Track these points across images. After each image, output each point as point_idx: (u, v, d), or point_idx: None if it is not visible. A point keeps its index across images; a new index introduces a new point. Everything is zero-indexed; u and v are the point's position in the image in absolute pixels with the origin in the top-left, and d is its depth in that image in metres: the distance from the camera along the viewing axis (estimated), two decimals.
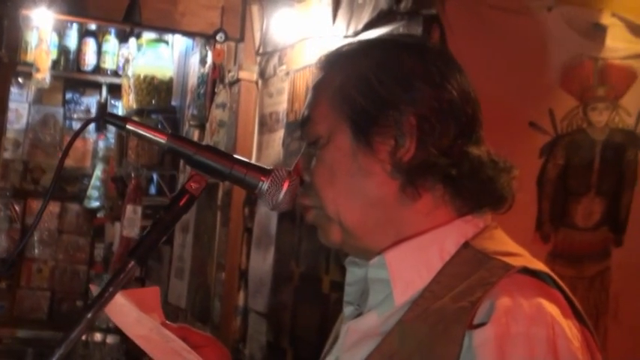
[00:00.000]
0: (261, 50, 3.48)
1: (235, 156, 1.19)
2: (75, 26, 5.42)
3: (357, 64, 1.12)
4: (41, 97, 5.66)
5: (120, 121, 1.18)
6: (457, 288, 1.03)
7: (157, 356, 1.20)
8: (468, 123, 1.10)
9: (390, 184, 1.09)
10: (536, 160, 2.17)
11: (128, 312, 1.17)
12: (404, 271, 1.08)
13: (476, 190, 1.10)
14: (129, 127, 1.19)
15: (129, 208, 4.41)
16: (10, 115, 5.45)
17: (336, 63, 1.16)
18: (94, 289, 1.18)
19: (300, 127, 1.18)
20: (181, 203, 1.16)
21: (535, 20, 2.16)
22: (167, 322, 1.27)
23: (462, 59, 2.03)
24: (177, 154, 1.19)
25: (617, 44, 2.25)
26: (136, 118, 4.62)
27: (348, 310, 1.20)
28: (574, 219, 2.22)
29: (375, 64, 1.10)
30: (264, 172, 1.16)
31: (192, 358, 1.20)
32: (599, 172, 2.24)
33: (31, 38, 5.04)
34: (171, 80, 4.79)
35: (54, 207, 5.71)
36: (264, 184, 1.15)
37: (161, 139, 1.17)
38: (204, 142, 4.08)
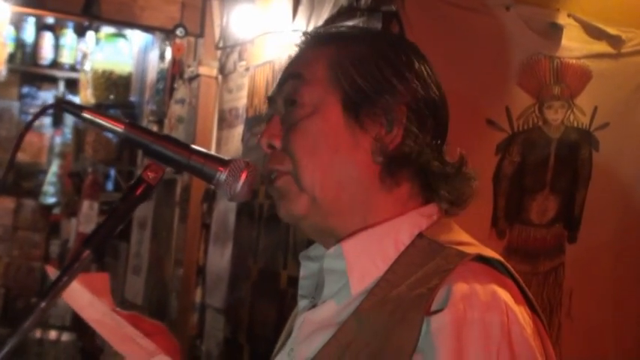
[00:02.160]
0: (220, 45, 3.46)
1: (193, 146, 1.19)
2: (32, 19, 5.35)
3: (358, 46, 1.13)
4: None
5: (77, 110, 1.17)
6: (413, 276, 1.04)
7: (111, 340, 1.18)
8: (443, 123, 1.14)
9: (372, 167, 1.09)
10: (493, 157, 2.19)
11: (81, 295, 1.16)
12: (360, 260, 1.09)
13: (444, 188, 1.12)
14: (85, 115, 1.17)
15: (85, 203, 4.37)
16: None
17: (337, 38, 1.16)
18: (51, 272, 1.17)
19: (281, 83, 1.16)
20: (138, 192, 1.14)
21: (493, 18, 2.18)
22: (117, 309, 1.25)
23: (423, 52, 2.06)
24: (135, 143, 1.17)
25: (572, 44, 2.29)
26: None
27: (302, 303, 1.21)
28: (529, 215, 2.25)
29: (375, 49, 1.12)
30: (223, 162, 1.14)
31: (145, 343, 1.19)
32: (554, 169, 2.27)
33: None
34: (129, 75, 4.75)
35: (9, 203, 5.63)
36: (222, 175, 1.14)
37: (118, 128, 1.16)
38: None
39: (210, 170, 1.15)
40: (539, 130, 2.25)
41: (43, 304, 1.10)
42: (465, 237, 1.13)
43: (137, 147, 1.18)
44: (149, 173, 1.15)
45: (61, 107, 1.18)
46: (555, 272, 2.26)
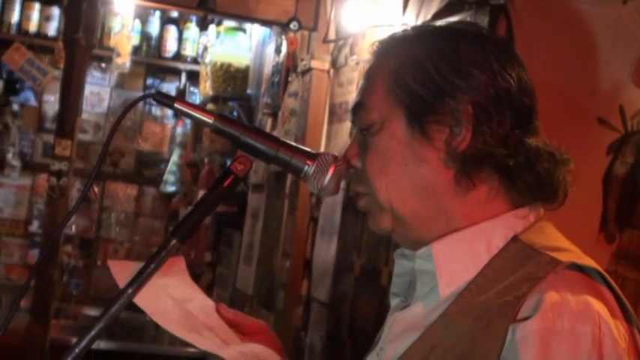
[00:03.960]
0: (328, 38, 3.46)
1: (281, 139, 1.19)
2: (157, 13, 5.51)
3: (413, 50, 1.10)
4: (123, 81, 5.78)
5: (169, 100, 1.19)
6: (503, 282, 1.01)
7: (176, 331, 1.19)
8: (525, 113, 1.08)
9: (445, 173, 1.07)
10: (604, 158, 2.09)
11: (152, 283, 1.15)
12: (450, 263, 1.07)
13: (532, 182, 1.08)
14: (177, 105, 1.20)
15: (201, 193, 4.47)
16: (92, 99, 5.60)
17: (391, 49, 1.14)
18: (112, 265, 1.19)
19: (353, 112, 1.17)
20: (225, 184, 1.16)
21: (608, 12, 2.08)
22: (222, 304, 1.27)
23: (530, 51, 1.99)
24: (224, 135, 1.19)
25: None
26: (211, 106, 4.69)
27: (394, 301, 1.21)
28: None
29: (432, 50, 1.09)
30: (311, 156, 1.15)
31: (210, 336, 1.19)
32: None
33: (114, 24, 5.16)
34: (247, 68, 4.82)
35: (132, 190, 5.84)
36: (310, 168, 1.14)
37: (208, 119, 1.18)
38: (276, 131, 4.11)
39: (298, 163, 1.15)
40: None
41: (129, 291, 1.13)
42: (562, 242, 1.09)
43: (227, 138, 1.20)
44: (237, 165, 1.17)
45: (154, 98, 1.21)
46: None
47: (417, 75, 1.08)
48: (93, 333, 1.12)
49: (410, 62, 1.09)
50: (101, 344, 4.64)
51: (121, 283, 1.17)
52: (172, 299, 1.20)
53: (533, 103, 1.10)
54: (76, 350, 1.09)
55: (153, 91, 1.19)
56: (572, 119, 2.01)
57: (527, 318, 0.96)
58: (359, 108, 1.14)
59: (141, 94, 5.83)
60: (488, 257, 1.06)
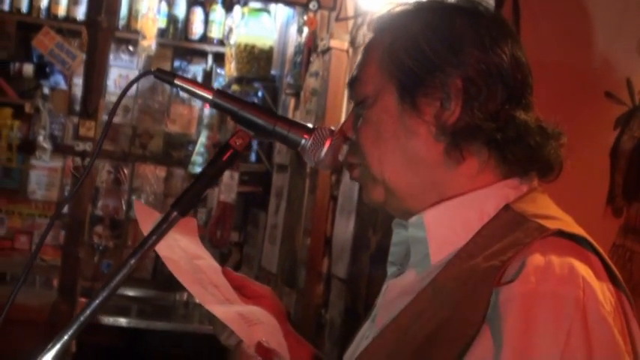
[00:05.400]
0: (344, 16, 3.47)
1: (279, 114, 1.23)
2: None
3: (407, 25, 1.13)
4: (151, 64, 5.82)
5: (169, 77, 1.23)
6: (491, 248, 1.03)
7: (184, 281, 1.22)
8: (517, 88, 1.10)
9: (435, 146, 1.09)
10: (611, 132, 2.08)
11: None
12: (441, 230, 1.10)
13: (521, 156, 1.10)
14: (177, 82, 1.23)
15: (226, 173, 4.52)
16: (121, 82, 5.66)
17: (387, 24, 1.17)
18: (137, 206, 1.26)
19: (349, 87, 1.19)
20: (224, 158, 1.19)
21: None
22: (227, 268, 1.31)
23: (536, 26, 1.99)
24: (223, 110, 1.22)
25: None
26: (235, 87, 4.72)
27: (391, 269, 1.24)
28: None
29: (425, 25, 1.11)
30: (307, 130, 1.18)
31: (215, 292, 1.23)
32: None
33: (141, 7, 5.21)
34: (271, 49, 4.85)
35: (160, 171, 5.90)
36: (307, 142, 1.17)
37: (208, 95, 1.21)
38: (298, 111, 4.14)
39: (296, 137, 1.19)
40: None
41: (132, 261, 1.17)
42: (553, 211, 1.10)
43: (226, 113, 1.23)
44: (236, 140, 1.20)
45: (154, 75, 1.24)
46: None
47: (410, 49, 1.10)
48: (96, 303, 1.14)
49: (404, 37, 1.11)
50: (132, 322, 4.72)
51: (142, 224, 1.21)
52: (183, 252, 1.24)
53: (526, 79, 1.12)
54: (81, 318, 1.12)
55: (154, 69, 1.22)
56: (579, 94, 2.01)
57: (510, 281, 0.97)
58: (355, 82, 1.17)
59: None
60: (479, 225, 1.08)
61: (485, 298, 0.98)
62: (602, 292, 0.99)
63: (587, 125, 1.98)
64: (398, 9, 1.17)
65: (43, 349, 1.07)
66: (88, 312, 1.12)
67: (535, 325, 0.95)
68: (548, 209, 1.10)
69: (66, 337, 1.09)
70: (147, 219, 1.22)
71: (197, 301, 1.22)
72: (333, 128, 1.19)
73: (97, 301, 1.13)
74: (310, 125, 1.20)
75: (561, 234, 1.03)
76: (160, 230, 1.17)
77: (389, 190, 1.13)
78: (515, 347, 0.94)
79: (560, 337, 0.94)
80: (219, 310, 1.19)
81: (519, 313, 0.96)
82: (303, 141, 1.18)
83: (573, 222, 1.09)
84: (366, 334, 1.20)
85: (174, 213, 1.16)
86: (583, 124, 1.99)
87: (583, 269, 0.99)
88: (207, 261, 1.29)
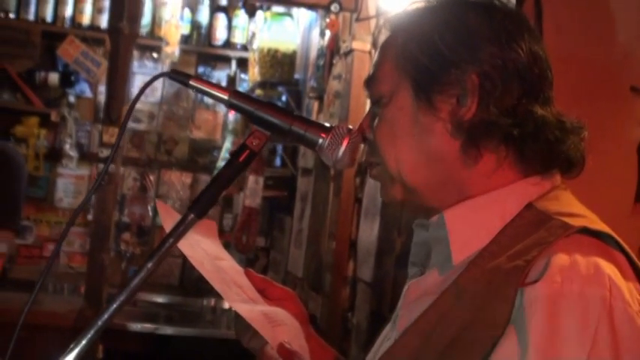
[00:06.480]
0: (366, 16, 3.46)
1: (296, 113, 1.22)
2: (206, 2, 5.57)
3: (422, 22, 1.12)
4: None
5: (184, 78, 1.22)
6: (514, 248, 1.01)
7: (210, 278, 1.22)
8: (534, 83, 1.08)
9: (451, 143, 1.08)
10: (637, 127, 2.05)
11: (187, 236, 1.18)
12: (463, 229, 1.08)
13: (540, 151, 1.08)
14: (192, 83, 1.22)
15: (251, 178, 4.51)
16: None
17: (401, 23, 1.16)
18: (160, 206, 1.26)
19: (366, 86, 1.18)
20: (241, 159, 1.18)
21: None
22: (249, 269, 1.31)
23: (558, 19, 1.96)
24: (240, 110, 1.21)
25: None
26: (259, 91, 4.72)
27: (412, 270, 1.23)
28: None
29: (440, 22, 1.10)
30: (325, 129, 1.17)
31: (238, 291, 1.22)
32: None
33: (164, 14, 5.23)
34: (294, 53, 4.85)
35: (186, 177, 5.91)
36: (325, 141, 1.17)
37: (224, 95, 1.21)
38: (322, 115, 4.13)
39: (313, 136, 1.18)
40: None
41: (149, 265, 1.16)
42: (577, 208, 1.08)
43: (242, 114, 1.22)
44: (253, 140, 1.19)
45: (169, 76, 1.24)
46: None
47: (424, 47, 1.09)
48: (114, 306, 1.14)
49: (418, 35, 1.10)
50: (159, 329, 4.73)
51: (165, 223, 1.20)
52: (206, 253, 1.24)
53: (544, 74, 1.10)
54: (99, 322, 1.11)
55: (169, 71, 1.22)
56: (604, 89, 1.98)
57: (535, 281, 0.96)
58: (371, 81, 1.16)
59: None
60: (501, 224, 1.06)
61: (510, 299, 0.96)
62: (629, 291, 0.97)
63: (612, 121, 1.94)
64: (412, 7, 1.16)
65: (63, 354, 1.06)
66: (106, 316, 1.12)
67: (561, 327, 0.93)
68: (572, 207, 1.08)
69: (84, 341, 1.09)
70: (169, 218, 1.22)
71: (225, 303, 1.21)
72: (350, 127, 1.18)
73: (115, 305, 1.13)
74: (327, 124, 1.19)
75: (586, 231, 1.01)
76: (178, 232, 1.17)
77: (407, 188, 1.12)
78: (541, 349, 0.93)
79: (587, 338, 0.92)
80: (243, 309, 1.18)
81: (545, 314, 0.94)
82: (320, 140, 1.17)
83: (598, 219, 1.07)
84: (387, 336, 1.19)
85: (192, 215, 1.16)
86: (608, 120, 1.95)
87: (609, 268, 0.97)
88: (229, 262, 1.28)
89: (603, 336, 0.92)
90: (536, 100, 1.08)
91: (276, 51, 4.78)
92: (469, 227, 1.07)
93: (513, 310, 0.96)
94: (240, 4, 5.50)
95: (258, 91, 4.76)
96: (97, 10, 5.37)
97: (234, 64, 5.75)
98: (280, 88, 4.84)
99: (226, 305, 5.25)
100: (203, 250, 1.25)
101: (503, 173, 1.08)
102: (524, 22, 1.12)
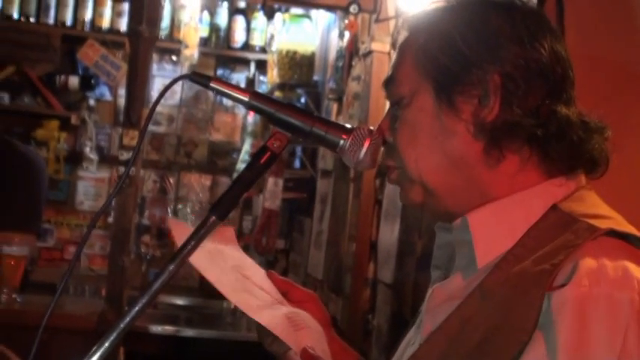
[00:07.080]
0: (385, 17, 3.45)
1: (316, 114, 1.21)
2: (225, 4, 5.57)
3: (442, 23, 1.10)
4: None
5: (205, 80, 1.22)
6: (540, 251, 1.00)
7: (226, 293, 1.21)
8: (557, 83, 1.07)
9: (474, 144, 1.06)
10: None
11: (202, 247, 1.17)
12: (487, 233, 1.06)
13: (564, 152, 1.06)
14: (213, 85, 1.22)
15: (270, 180, 4.51)
16: None
17: (421, 22, 1.15)
18: (172, 223, 1.24)
19: (385, 87, 1.17)
20: (262, 161, 1.17)
21: None
22: (271, 271, 1.31)
23: (580, 18, 1.94)
24: (260, 112, 1.21)
25: None
26: (278, 93, 4.72)
27: (435, 274, 1.21)
28: None
29: (460, 22, 1.08)
30: (346, 130, 1.16)
31: (262, 296, 1.22)
32: None
33: (183, 16, 5.25)
34: (313, 55, 4.84)
35: (206, 180, 5.92)
36: (346, 142, 1.15)
37: (244, 97, 1.20)
38: (341, 116, 4.12)
39: (334, 138, 1.17)
40: None
41: (171, 267, 1.16)
42: (603, 210, 1.07)
43: (263, 115, 1.22)
44: (273, 142, 1.18)
45: (190, 78, 1.24)
46: None
47: (445, 47, 1.07)
48: (136, 309, 1.13)
49: (438, 35, 1.09)
50: (179, 331, 4.74)
51: (179, 240, 1.18)
52: (226, 262, 1.23)
53: (567, 73, 1.09)
54: (121, 325, 1.11)
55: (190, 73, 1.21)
56: (627, 88, 1.96)
57: (562, 285, 0.95)
58: (390, 82, 1.15)
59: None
60: (526, 226, 1.04)
61: (537, 304, 0.95)
62: None
63: (636, 119, 1.92)
64: (431, 7, 1.15)
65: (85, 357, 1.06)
66: (128, 319, 1.11)
67: (590, 331, 0.92)
68: (598, 208, 1.07)
69: (107, 344, 1.08)
70: (181, 234, 1.21)
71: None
72: (372, 128, 1.17)
73: (137, 308, 1.13)
74: (349, 126, 1.18)
75: (613, 234, 1.00)
76: (199, 235, 1.16)
77: (428, 191, 1.11)
78: (570, 354, 0.92)
79: (616, 342, 0.92)
80: (265, 317, 1.18)
81: (573, 318, 0.93)
82: (341, 141, 1.16)
83: (624, 220, 1.06)
84: (411, 341, 1.17)
85: (213, 217, 1.15)
86: (633, 120, 1.93)
87: (637, 271, 0.96)
88: (252, 267, 1.28)
89: (633, 339, 0.92)
90: (560, 99, 1.06)
91: (295, 53, 4.78)
92: (493, 230, 1.06)
93: (540, 315, 0.95)
94: (259, 6, 5.51)
95: (277, 93, 4.76)
96: (117, 13, 5.40)
97: (252, 66, 5.76)
98: (299, 90, 4.84)
99: None
100: (223, 257, 1.24)
101: (526, 174, 1.07)
102: (546, 22, 1.11)
